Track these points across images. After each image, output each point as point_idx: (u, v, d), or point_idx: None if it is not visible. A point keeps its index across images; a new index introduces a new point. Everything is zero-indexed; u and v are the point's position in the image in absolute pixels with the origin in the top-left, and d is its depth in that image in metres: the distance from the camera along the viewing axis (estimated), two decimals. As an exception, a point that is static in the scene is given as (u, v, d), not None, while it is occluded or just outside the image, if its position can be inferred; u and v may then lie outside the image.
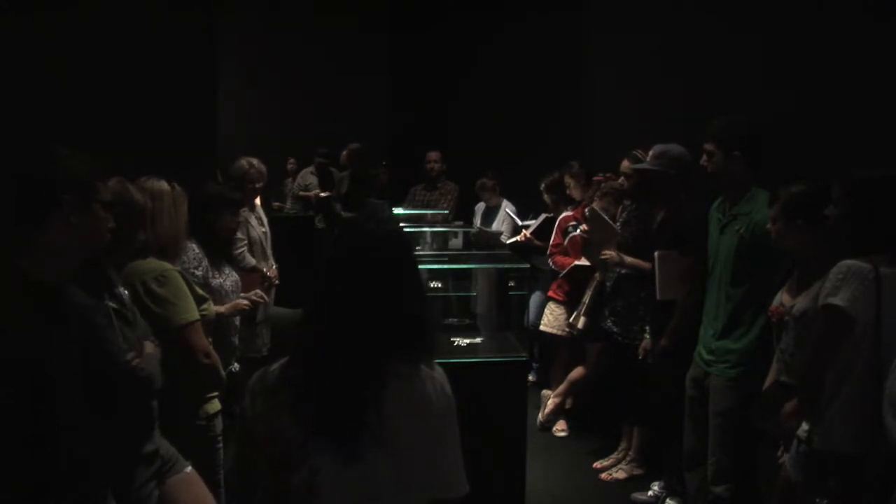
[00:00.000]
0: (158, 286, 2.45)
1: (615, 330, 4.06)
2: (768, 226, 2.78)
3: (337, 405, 1.46)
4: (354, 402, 1.46)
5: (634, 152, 3.91)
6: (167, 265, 2.53)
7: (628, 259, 3.88)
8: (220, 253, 3.33)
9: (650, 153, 3.65)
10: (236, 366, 3.28)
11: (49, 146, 1.75)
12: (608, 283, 4.12)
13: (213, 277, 3.20)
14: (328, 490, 1.45)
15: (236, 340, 3.35)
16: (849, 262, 2.32)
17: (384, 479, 1.46)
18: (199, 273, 3.13)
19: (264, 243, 4.22)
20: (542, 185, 5.13)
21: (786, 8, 3.67)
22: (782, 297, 2.77)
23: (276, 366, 1.55)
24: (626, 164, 3.99)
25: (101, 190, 1.81)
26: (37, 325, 1.62)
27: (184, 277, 2.57)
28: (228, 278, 3.30)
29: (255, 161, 4.14)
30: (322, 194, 7.69)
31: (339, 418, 1.45)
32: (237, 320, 3.34)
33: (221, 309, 3.14)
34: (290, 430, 1.46)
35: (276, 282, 4.13)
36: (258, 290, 3.43)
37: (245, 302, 3.29)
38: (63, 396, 1.64)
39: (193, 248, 3.15)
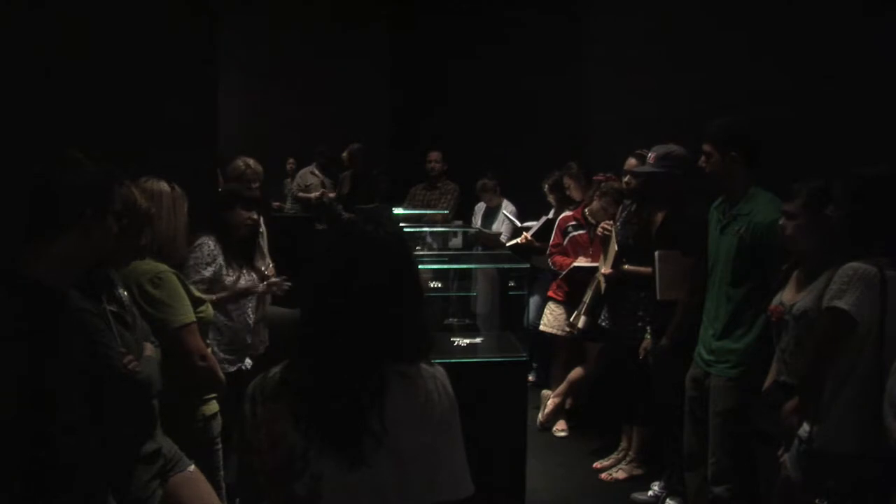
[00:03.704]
0: (154, 288, 2.43)
1: (614, 329, 4.06)
2: (781, 221, 2.74)
3: (338, 409, 1.44)
4: (355, 406, 1.44)
5: (640, 151, 3.90)
6: (163, 266, 2.52)
7: (628, 268, 3.91)
8: (238, 252, 3.37)
9: (650, 155, 3.64)
10: (249, 363, 3.35)
11: (70, 155, 1.74)
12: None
13: (227, 275, 3.23)
14: (332, 495, 1.43)
15: (248, 339, 3.40)
16: (854, 264, 2.32)
17: (388, 482, 1.44)
18: (211, 268, 3.18)
19: (261, 243, 4.23)
20: (546, 186, 5.14)
21: (786, 7, 3.67)
22: (783, 296, 2.76)
23: (274, 371, 1.53)
24: (632, 161, 3.98)
25: (116, 200, 1.81)
26: (37, 329, 1.61)
27: (180, 279, 2.56)
28: (243, 279, 3.33)
29: (251, 161, 4.15)
30: (329, 195, 7.71)
31: (341, 422, 1.44)
32: (250, 319, 3.38)
33: (223, 295, 3.19)
34: (291, 436, 1.43)
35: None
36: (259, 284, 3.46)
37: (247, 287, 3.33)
38: (62, 399, 1.64)
39: (209, 244, 3.20)
